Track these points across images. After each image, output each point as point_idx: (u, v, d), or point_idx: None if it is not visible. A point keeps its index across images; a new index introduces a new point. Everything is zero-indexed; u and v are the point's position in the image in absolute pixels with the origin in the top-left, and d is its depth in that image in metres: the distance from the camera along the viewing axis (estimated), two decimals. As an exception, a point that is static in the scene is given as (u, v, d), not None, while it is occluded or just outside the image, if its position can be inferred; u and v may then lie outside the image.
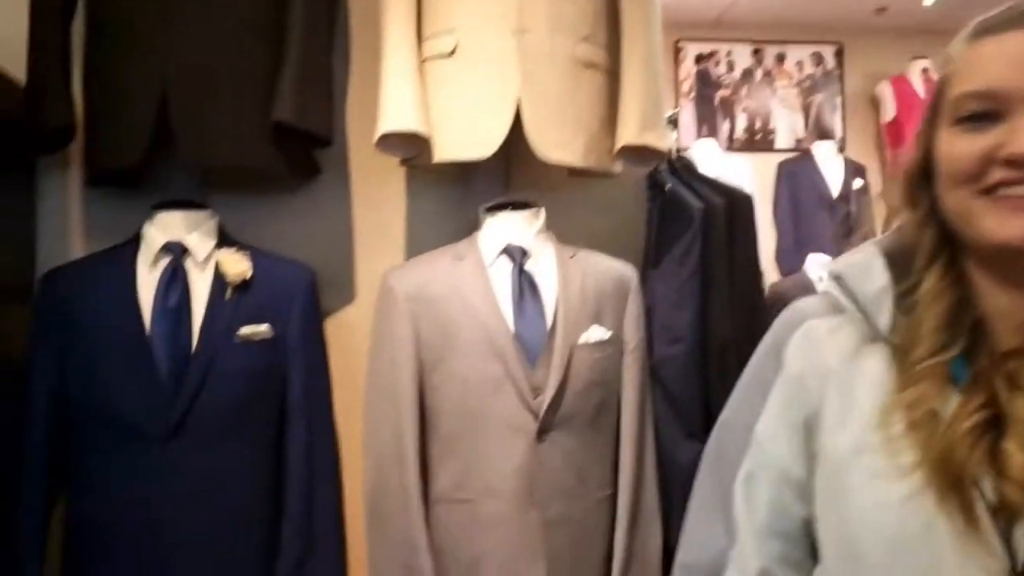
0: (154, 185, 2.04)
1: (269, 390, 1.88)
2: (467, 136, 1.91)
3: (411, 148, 1.99)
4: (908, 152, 0.91)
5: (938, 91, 0.90)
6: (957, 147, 0.85)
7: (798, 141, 5.76)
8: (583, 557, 1.87)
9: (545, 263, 1.96)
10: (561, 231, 2.04)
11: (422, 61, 1.97)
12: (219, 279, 1.87)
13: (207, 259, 1.89)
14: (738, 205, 2.04)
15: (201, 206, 1.94)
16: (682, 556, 1.29)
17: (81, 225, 2.09)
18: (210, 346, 1.81)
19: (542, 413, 1.84)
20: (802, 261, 4.05)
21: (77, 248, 2.08)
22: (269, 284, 1.90)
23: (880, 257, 0.92)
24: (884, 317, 0.88)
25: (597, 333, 1.92)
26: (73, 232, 2.09)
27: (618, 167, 2.07)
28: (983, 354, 0.83)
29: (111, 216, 2.05)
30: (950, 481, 0.78)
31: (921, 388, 0.82)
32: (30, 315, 1.90)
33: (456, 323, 1.89)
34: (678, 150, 2.19)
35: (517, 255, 1.94)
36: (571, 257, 1.98)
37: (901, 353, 0.86)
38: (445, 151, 1.94)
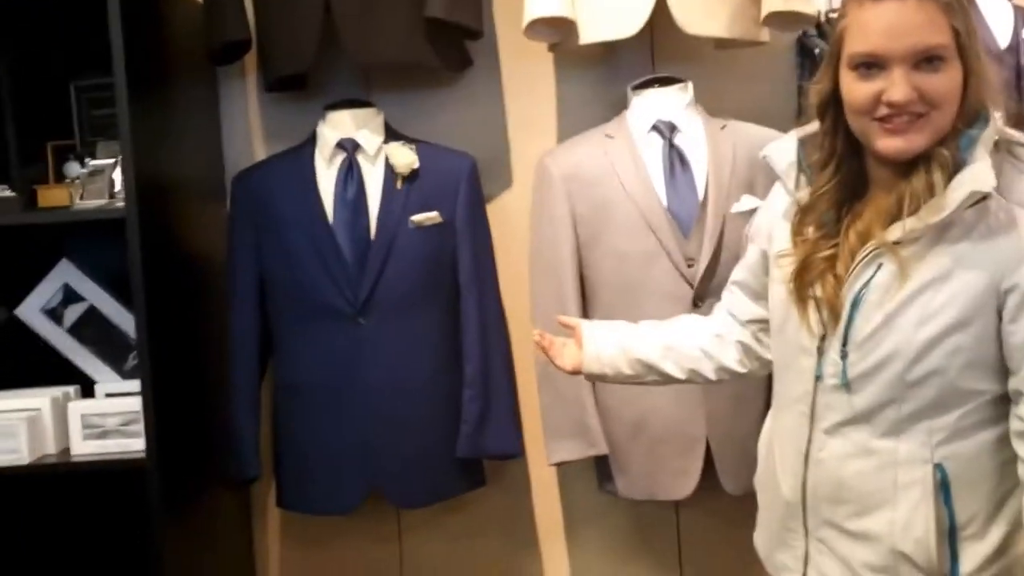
0: (322, 88, 2.21)
1: (443, 271, 2.05)
2: (612, 16, 1.95)
3: (558, 33, 2.05)
4: (818, 80, 1.31)
5: (837, 39, 1.27)
6: (855, 88, 1.25)
7: (961, -10, 5.36)
8: (742, 412, 1.97)
9: (695, 136, 2.00)
10: (710, 104, 2.07)
11: (565, -56, 2.00)
12: (389, 171, 2.02)
13: (377, 153, 2.04)
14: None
15: (367, 104, 2.09)
16: None
17: (260, 127, 2.29)
18: (387, 232, 1.99)
19: (697, 281, 1.93)
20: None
21: (258, 149, 2.28)
22: (435, 173, 2.04)
23: (795, 143, 1.37)
24: (791, 182, 1.37)
25: (750, 202, 1.96)
26: (254, 134, 2.29)
27: (765, 35, 2.05)
28: (850, 215, 1.31)
29: (286, 118, 2.24)
30: (800, 285, 1.32)
31: (807, 232, 1.33)
32: (224, 210, 2.12)
33: (610, 200, 1.97)
34: (828, 12, 2.14)
35: (666, 130, 2.00)
36: (722, 128, 2.02)
37: (802, 210, 1.35)
38: (591, 32, 1.98)
